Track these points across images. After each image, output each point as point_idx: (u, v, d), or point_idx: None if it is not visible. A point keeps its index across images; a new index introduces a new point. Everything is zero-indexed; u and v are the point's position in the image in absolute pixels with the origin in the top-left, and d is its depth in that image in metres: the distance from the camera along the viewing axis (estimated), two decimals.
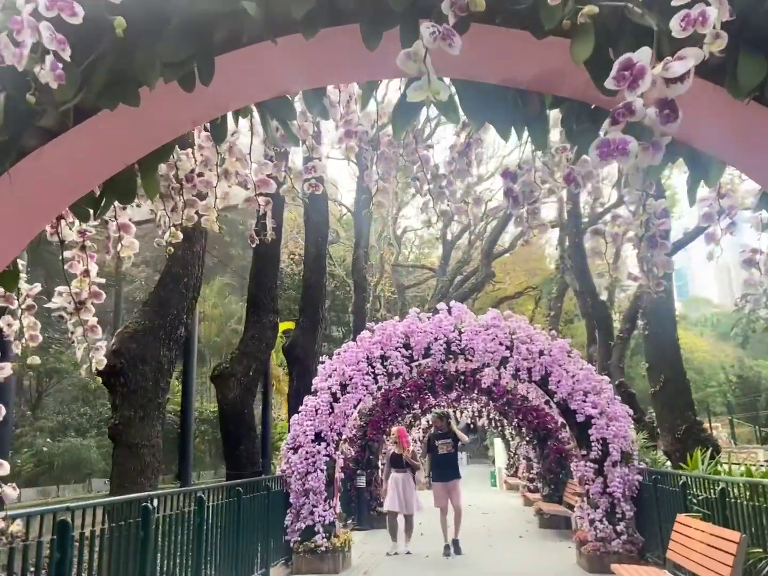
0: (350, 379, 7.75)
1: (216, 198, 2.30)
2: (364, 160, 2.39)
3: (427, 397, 12.22)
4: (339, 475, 7.89)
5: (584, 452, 7.27)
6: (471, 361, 7.93)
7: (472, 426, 23.84)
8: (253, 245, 2.37)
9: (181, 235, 2.31)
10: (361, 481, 11.27)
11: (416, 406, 13.48)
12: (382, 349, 7.89)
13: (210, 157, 2.22)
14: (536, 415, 11.29)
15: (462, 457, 42.31)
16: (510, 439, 20.14)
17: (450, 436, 9.03)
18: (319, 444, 7.52)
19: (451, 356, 7.84)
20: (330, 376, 7.88)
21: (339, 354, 8.00)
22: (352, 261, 17.32)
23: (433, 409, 16.50)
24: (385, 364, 7.82)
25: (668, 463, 8.12)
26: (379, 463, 11.90)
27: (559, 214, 14.44)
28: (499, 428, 20.30)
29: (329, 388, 7.74)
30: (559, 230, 14.95)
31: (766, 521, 4.37)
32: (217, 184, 2.28)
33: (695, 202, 1.78)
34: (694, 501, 5.28)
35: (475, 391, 12.03)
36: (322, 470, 7.47)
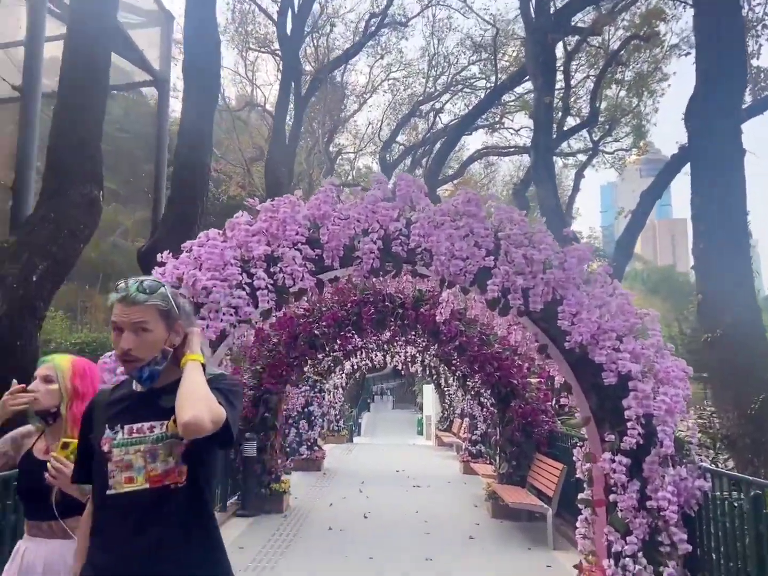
0: (207, 295, 4.29)
1: None
2: None
3: (350, 335, 8.95)
4: None
5: (611, 436, 4.21)
6: (425, 276, 4.62)
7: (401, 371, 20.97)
8: None
9: None
10: (251, 449, 8.04)
11: (336, 347, 10.24)
12: (268, 244, 4.43)
13: None
14: (498, 366, 8.27)
15: (388, 401, 38.21)
16: (446, 389, 17.34)
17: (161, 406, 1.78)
18: None
19: (389, 263, 4.48)
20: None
21: (190, 251, 4.48)
22: (265, 160, 13.46)
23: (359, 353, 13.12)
24: (272, 270, 4.39)
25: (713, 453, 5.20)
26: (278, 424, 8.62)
27: (536, 109, 11.16)
28: (434, 376, 17.46)
29: None
30: (533, 135, 11.74)
31: None
32: None
33: None
34: None
35: (416, 331, 8.86)
36: None
